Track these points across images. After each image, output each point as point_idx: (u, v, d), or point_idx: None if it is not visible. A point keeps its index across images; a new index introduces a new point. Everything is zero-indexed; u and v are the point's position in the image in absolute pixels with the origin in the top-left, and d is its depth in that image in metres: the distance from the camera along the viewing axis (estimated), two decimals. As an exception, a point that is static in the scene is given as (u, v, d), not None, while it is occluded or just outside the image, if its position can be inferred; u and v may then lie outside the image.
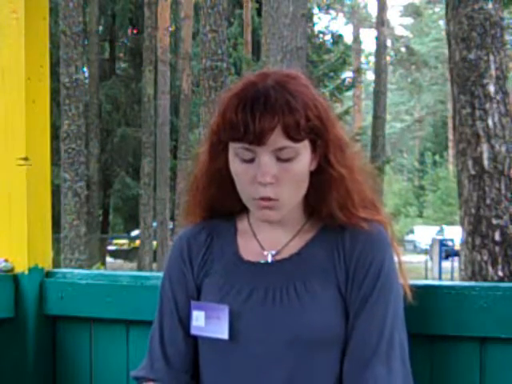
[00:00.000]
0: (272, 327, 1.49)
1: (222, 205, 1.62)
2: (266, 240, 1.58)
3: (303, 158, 1.50)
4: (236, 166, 1.51)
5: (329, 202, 1.54)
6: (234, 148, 1.50)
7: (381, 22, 28.85)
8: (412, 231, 37.46)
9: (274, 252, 1.56)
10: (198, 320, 1.55)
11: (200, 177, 1.61)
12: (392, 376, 1.46)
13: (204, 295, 1.58)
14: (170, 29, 21.80)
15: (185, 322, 1.59)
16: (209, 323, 1.53)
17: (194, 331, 1.56)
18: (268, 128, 1.45)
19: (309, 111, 1.48)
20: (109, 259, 25.92)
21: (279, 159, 1.48)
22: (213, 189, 1.60)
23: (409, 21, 54.35)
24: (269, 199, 1.48)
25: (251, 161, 1.48)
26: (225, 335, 1.51)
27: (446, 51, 6.65)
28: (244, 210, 1.61)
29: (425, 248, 25.96)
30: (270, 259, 1.56)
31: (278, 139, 1.46)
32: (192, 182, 1.64)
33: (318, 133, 1.50)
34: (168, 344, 1.60)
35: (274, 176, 1.47)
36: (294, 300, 1.50)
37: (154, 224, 20.25)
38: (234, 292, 1.54)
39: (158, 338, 1.62)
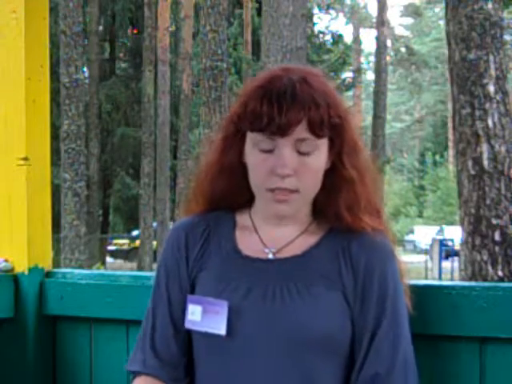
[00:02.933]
0: (270, 325, 1.48)
1: (227, 197, 1.60)
2: (268, 237, 1.56)
3: (321, 154, 1.50)
4: (254, 156, 1.50)
5: (337, 203, 1.53)
6: (252, 138, 1.50)
7: (381, 22, 28.86)
8: (412, 231, 37.46)
9: (274, 250, 1.55)
10: (194, 314, 1.53)
11: (210, 166, 1.60)
12: None
13: (200, 289, 1.56)
14: (170, 29, 21.80)
15: (177, 317, 1.58)
16: (205, 318, 1.51)
17: (188, 325, 1.54)
18: (294, 121, 1.46)
19: (331, 110, 1.49)
20: (109, 259, 25.90)
21: (299, 152, 1.48)
22: (222, 180, 1.58)
23: (409, 21, 54.35)
24: (286, 191, 1.48)
25: (270, 151, 1.48)
26: (222, 331, 1.49)
27: (446, 51, 6.65)
28: (246, 205, 1.60)
29: (425, 248, 25.94)
30: (270, 255, 1.54)
31: (301, 132, 1.47)
32: (201, 170, 1.63)
33: (337, 131, 1.51)
34: (160, 340, 1.59)
35: (293, 168, 1.48)
36: (295, 299, 1.49)
37: (154, 224, 20.25)
38: (232, 287, 1.52)
39: (150, 332, 1.60)
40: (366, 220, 1.53)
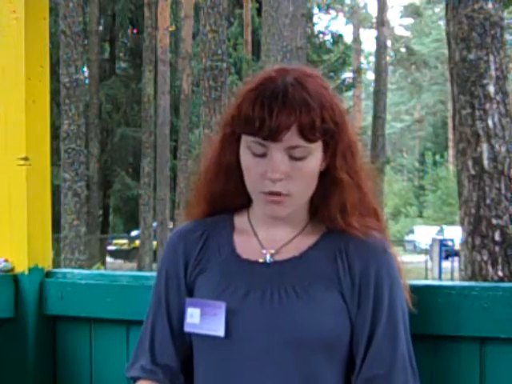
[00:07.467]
0: (269, 326, 1.48)
1: (225, 199, 1.61)
2: (266, 238, 1.57)
3: (315, 158, 1.50)
4: (247, 159, 1.51)
5: (330, 205, 1.54)
6: (246, 141, 1.50)
7: (381, 22, 28.84)
8: (412, 231, 37.46)
9: (273, 251, 1.55)
10: (193, 317, 1.53)
11: (209, 167, 1.60)
12: None
13: (198, 292, 1.56)
14: (170, 29, 21.80)
15: (176, 322, 1.58)
16: (204, 320, 1.52)
17: (187, 328, 1.55)
18: (284, 125, 1.45)
19: (325, 112, 1.48)
20: (109, 259, 25.91)
21: (291, 157, 1.48)
22: (220, 180, 1.59)
23: (409, 21, 54.35)
24: (278, 194, 1.48)
25: (263, 155, 1.48)
26: (220, 332, 1.50)
27: (446, 51, 6.65)
28: (244, 206, 1.60)
29: (425, 248, 25.93)
30: (268, 257, 1.55)
31: (292, 137, 1.46)
32: (200, 172, 1.63)
33: (331, 135, 1.50)
34: (158, 346, 1.59)
35: (285, 173, 1.48)
36: (293, 300, 1.49)
37: (154, 224, 20.25)
38: (230, 290, 1.52)
39: (149, 338, 1.61)
40: (357, 223, 1.53)
